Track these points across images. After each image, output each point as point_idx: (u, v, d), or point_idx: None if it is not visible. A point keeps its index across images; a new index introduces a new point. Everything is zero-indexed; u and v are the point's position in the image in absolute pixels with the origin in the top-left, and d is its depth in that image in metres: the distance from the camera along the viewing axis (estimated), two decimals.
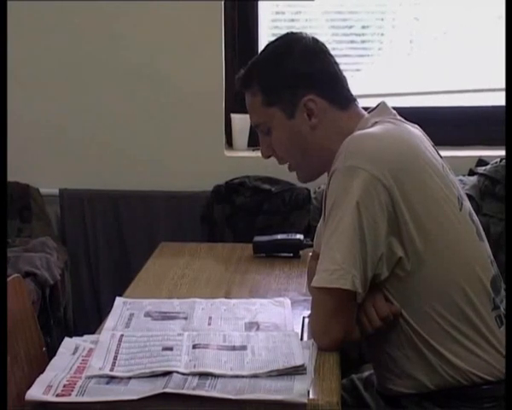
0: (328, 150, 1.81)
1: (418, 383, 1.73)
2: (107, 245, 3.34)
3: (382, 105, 1.89)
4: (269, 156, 1.95)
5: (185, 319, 1.89)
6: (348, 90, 1.90)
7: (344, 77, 1.91)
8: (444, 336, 1.70)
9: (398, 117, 1.87)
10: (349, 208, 1.65)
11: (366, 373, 2.04)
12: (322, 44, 1.91)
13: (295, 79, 1.84)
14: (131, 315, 1.91)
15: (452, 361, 1.70)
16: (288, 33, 1.94)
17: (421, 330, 1.71)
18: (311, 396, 1.51)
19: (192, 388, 1.52)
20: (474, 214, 1.84)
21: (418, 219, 1.68)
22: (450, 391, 1.71)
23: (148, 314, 1.92)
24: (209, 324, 1.86)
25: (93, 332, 1.84)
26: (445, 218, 1.72)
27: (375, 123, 1.81)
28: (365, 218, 1.65)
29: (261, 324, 1.86)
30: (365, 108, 1.91)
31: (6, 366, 1.59)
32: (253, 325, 1.86)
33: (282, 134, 1.88)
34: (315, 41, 1.90)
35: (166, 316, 1.91)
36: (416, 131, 1.86)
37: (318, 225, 2.06)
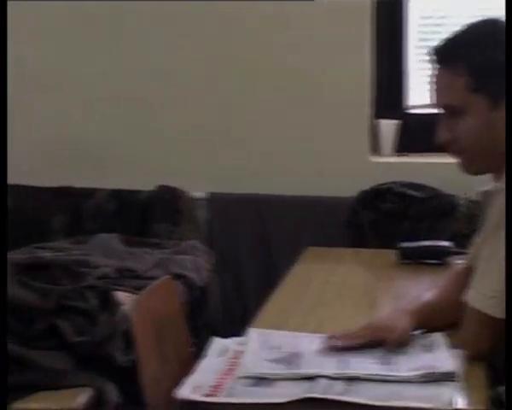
0: None
1: None
2: (252, 249, 3.38)
3: None
4: (445, 141, 1.77)
5: None
6: None
7: None
8: None
9: None
10: None
11: None
12: None
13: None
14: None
15: None
16: (493, 20, 1.78)
17: None
18: (458, 406, 1.48)
19: (338, 393, 1.51)
20: None
21: None
22: None
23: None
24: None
25: (240, 335, 1.86)
26: None
27: None
28: None
29: None
30: None
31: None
32: None
33: (477, 123, 1.71)
34: None
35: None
36: None
37: (478, 239, 1.91)
